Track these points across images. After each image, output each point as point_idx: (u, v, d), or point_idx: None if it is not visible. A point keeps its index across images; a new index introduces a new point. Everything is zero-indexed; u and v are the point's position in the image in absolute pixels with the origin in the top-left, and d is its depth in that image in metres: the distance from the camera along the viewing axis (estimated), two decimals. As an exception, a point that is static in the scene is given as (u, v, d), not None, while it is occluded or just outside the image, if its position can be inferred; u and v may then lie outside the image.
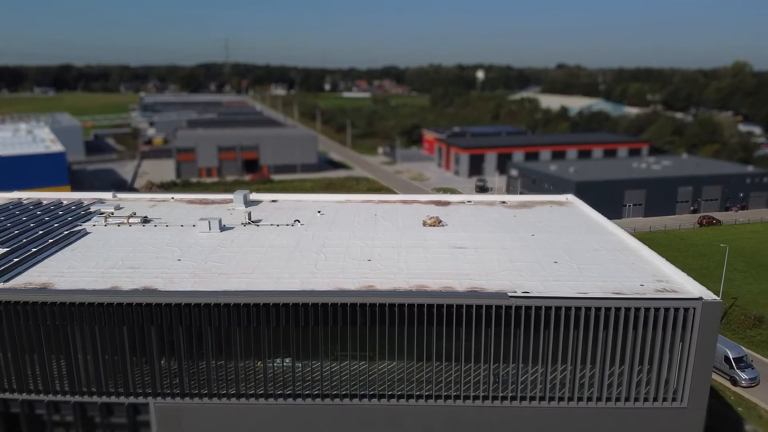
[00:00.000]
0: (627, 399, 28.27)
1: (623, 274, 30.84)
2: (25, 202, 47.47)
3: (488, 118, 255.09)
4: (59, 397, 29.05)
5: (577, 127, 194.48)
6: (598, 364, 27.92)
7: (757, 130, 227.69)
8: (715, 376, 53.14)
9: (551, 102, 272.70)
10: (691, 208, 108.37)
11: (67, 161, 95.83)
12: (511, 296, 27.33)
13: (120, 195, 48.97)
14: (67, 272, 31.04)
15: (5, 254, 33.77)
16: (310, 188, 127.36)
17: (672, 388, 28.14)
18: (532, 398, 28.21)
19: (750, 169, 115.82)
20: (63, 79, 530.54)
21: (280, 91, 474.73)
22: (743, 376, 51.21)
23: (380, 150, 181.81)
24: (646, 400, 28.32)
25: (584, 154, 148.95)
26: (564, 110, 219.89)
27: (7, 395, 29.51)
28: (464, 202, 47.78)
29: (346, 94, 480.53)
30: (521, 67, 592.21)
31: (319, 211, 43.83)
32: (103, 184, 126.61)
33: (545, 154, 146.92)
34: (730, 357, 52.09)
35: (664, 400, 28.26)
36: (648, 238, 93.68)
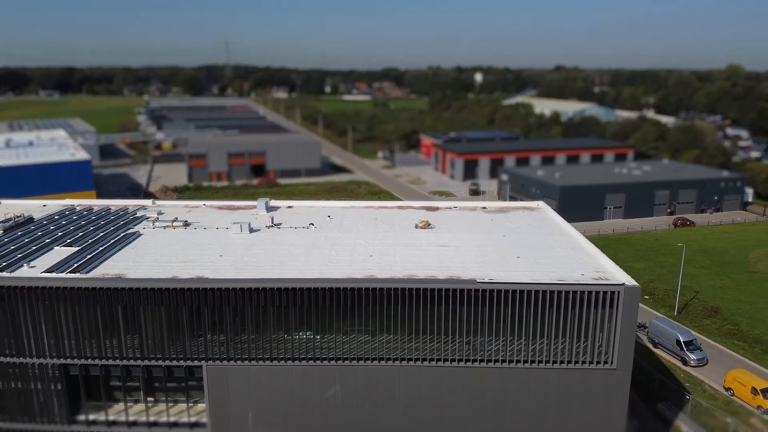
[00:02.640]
0: (569, 362, 36.68)
1: (570, 266, 39.30)
2: (78, 208, 55.89)
3: (484, 122, 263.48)
4: (131, 362, 37.49)
5: (569, 132, 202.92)
6: (547, 334, 36.35)
7: (744, 133, 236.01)
8: (668, 357, 61.76)
9: (546, 106, 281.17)
10: (668, 211, 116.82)
11: (92, 168, 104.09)
12: (479, 282, 35.79)
13: (158, 202, 57.42)
14: (133, 265, 39.48)
15: (78, 252, 42.27)
16: (314, 192, 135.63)
17: (604, 354, 36.55)
18: (497, 361, 36.63)
19: (724, 173, 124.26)
20: (67, 81, 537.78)
21: (281, 94, 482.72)
22: (692, 357, 59.64)
23: (380, 154, 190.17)
24: (584, 362, 36.71)
25: (572, 159, 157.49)
26: (556, 115, 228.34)
27: (89, 362, 37.93)
28: (451, 208, 56.20)
29: (347, 97, 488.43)
30: (520, 69, 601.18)
31: (328, 216, 52.30)
32: (120, 188, 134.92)
33: (535, 159, 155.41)
34: (681, 340, 60.53)
35: (599, 362, 36.66)
36: (624, 239, 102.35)
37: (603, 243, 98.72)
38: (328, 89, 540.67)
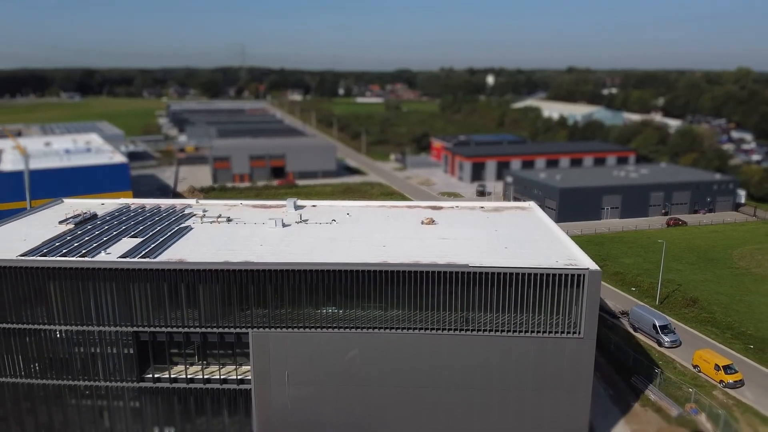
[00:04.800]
0: (545, 332, 45.11)
1: (548, 255, 47.75)
2: (132, 206, 65.16)
3: (493, 125, 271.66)
4: (191, 330, 46.51)
5: (574, 135, 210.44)
6: (526, 309, 44.81)
7: (748, 136, 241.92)
8: (646, 340, 69.89)
9: (554, 109, 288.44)
10: (662, 211, 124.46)
11: (129, 170, 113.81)
12: (471, 266, 44.39)
13: (201, 201, 66.60)
14: (190, 253, 48.52)
15: (143, 242, 51.40)
16: (330, 192, 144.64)
17: (573, 326, 44.94)
18: (485, 330, 45.19)
19: (717, 176, 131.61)
20: (87, 84, 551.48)
21: (296, 96, 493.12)
22: (666, 339, 67.75)
23: (392, 157, 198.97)
24: (557, 332, 45.12)
25: (576, 162, 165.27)
26: (563, 119, 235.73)
27: (156, 329, 46.97)
28: (453, 208, 64.78)
29: (360, 100, 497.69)
30: (532, 70, 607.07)
31: (347, 213, 61.17)
32: (149, 188, 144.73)
33: (540, 162, 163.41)
34: (657, 325, 68.66)
35: (569, 332, 45.05)
36: (618, 237, 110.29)
37: (598, 241, 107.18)
38: (341, 91, 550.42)
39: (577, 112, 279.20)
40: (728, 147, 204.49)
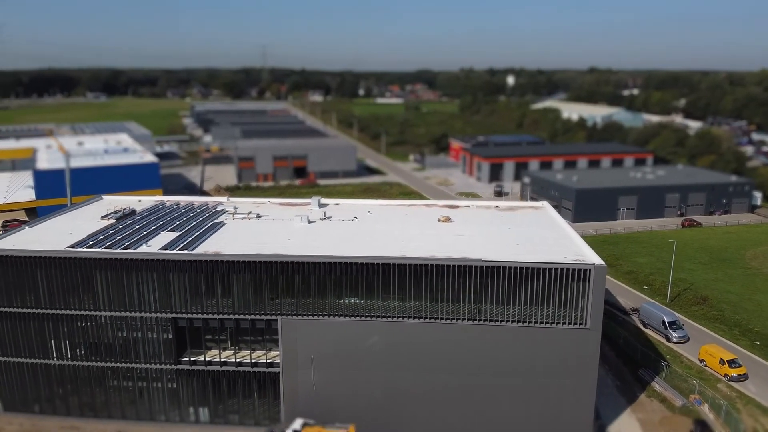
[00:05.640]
0: (553, 322, 48.26)
1: (557, 251, 50.88)
2: (167, 203, 69.52)
3: (512, 126, 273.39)
4: (224, 316, 50.51)
5: (593, 137, 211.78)
6: (536, 301, 47.99)
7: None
8: (655, 335, 72.45)
9: (574, 110, 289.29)
10: (678, 212, 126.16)
11: (159, 169, 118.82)
12: (484, 261, 47.74)
13: (232, 199, 70.78)
14: (225, 246, 52.54)
15: (181, 236, 55.55)
16: (350, 192, 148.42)
17: (580, 317, 48.01)
18: (496, 320, 48.49)
19: (733, 178, 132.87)
20: (112, 84, 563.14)
21: (317, 97, 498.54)
22: (674, 334, 70.30)
23: (411, 157, 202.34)
24: (565, 323, 48.23)
25: (594, 164, 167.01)
26: (582, 121, 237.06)
27: (192, 315, 51.05)
28: (469, 206, 68.08)
29: (380, 100, 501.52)
30: (553, 70, 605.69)
31: (368, 211, 64.81)
32: (177, 187, 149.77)
33: (558, 163, 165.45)
34: (666, 321, 71.22)
35: (576, 324, 48.13)
36: (633, 237, 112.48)
37: (613, 240, 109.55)
38: (361, 92, 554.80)
39: (597, 113, 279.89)
40: (748, 149, 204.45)
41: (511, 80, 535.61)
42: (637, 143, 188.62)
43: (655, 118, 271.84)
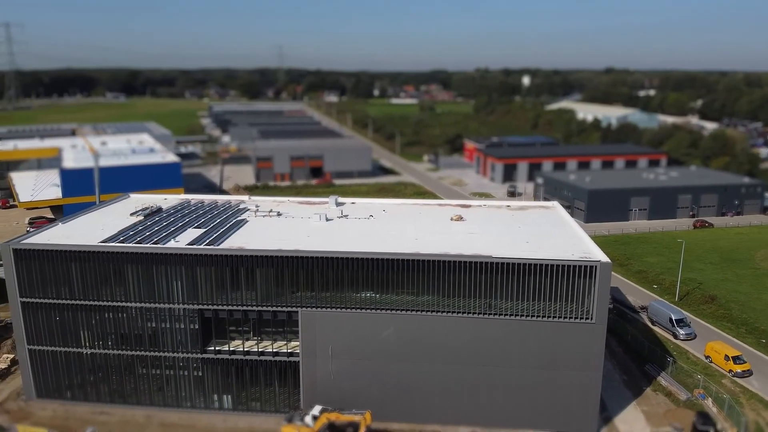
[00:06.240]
0: (561, 317, 50.51)
1: (565, 249, 53.11)
2: (192, 201, 72.62)
3: (527, 127, 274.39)
4: (248, 308, 53.39)
5: (607, 138, 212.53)
6: (544, 296, 50.26)
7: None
8: (662, 332, 74.24)
9: (589, 111, 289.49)
10: (690, 213, 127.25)
11: (181, 169, 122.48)
12: (494, 257, 50.13)
13: (253, 198, 73.77)
14: (248, 241, 55.43)
15: (205, 233, 58.52)
16: (365, 192, 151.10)
17: (586, 312, 50.22)
18: (507, 315, 50.85)
19: (745, 179, 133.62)
20: (131, 84, 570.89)
21: (332, 97, 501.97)
22: (681, 332, 72.07)
23: (425, 157, 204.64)
24: (572, 317, 50.45)
25: (607, 165, 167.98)
26: (597, 122, 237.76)
27: (218, 307, 53.96)
28: (481, 206, 70.42)
29: (394, 101, 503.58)
30: (569, 70, 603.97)
31: (383, 210, 67.41)
32: (197, 186, 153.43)
33: (572, 164, 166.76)
34: (673, 318, 73.02)
35: (582, 318, 50.32)
36: (645, 237, 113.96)
37: (624, 241, 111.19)
38: (376, 92, 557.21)
39: (612, 114, 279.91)
40: (763, 151, 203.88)
41: (526, 80, 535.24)
42: (651, 144, 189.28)
43: (670, 120, 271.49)
